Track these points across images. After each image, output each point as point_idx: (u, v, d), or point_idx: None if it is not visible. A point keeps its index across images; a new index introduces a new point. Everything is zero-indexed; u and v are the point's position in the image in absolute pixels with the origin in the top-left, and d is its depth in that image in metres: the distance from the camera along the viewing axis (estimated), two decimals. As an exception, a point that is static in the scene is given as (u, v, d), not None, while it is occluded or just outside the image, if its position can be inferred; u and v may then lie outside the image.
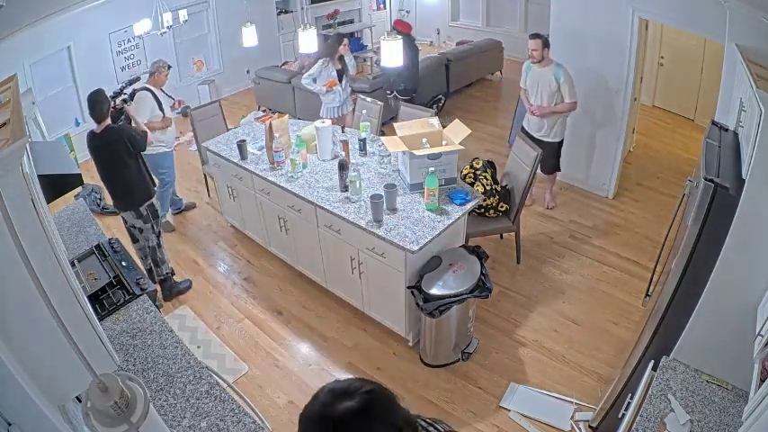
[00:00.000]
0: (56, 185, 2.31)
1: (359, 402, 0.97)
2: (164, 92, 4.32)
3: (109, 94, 3.34)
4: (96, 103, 3.14)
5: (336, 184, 3.36)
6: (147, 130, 3.58)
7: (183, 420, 1.94)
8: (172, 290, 3.82)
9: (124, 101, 3.58)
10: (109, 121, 3.23)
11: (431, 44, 9.69)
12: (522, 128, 4.29)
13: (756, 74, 1.82)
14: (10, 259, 1.17)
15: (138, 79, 4.11)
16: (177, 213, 4.90)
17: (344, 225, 3.12)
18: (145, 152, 3.52)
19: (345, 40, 4.71)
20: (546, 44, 3.92)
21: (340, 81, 4.72)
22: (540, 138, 4.12)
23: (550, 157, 4.20)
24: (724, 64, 2.93)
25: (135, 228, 3.63)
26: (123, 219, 3.67)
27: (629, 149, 5.38)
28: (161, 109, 4.16)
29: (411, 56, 5.09)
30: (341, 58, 4.72)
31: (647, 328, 2.23)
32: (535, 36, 3.95)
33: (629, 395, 2.28)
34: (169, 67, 4.27)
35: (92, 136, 3.26)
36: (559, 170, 4.45)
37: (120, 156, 3.29)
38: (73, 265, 2.68)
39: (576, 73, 4.33)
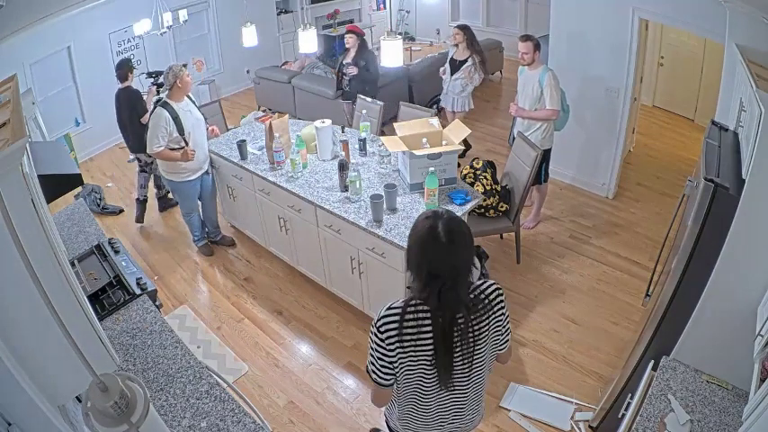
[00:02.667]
0: (56, 185, 2.30)
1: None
2: (191, 100, 3.72)
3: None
4: (123, 66, 4.36)
5: (336, 184, 3.36)
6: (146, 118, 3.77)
7: (182, 420, 1.94)
8: (166, 204, 4.91)
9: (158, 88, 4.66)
10: (128, 82, 4.36)
11: (431, 44, 9.70)
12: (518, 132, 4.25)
13: (756, 74, 1.82)
14: (10, 259, 1.17)
15: (159, 73, 4.70)
16: (214, 243, 4.36)
17: (344, 225, 3.12)
18: (164, 174, 3.85)
19: (455, 29, 4.91)
20: (536, 47, 3.75)
21: (454, 71, 4.94)
22: None
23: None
24: (724, 64, 2.93)
25: (145, 161, 4.60)
26: (137, 158, 4.71)
27: (629, 149, 5.38)
28: (180, 131, 3.56)
29: (373, 60, 4.91)
30: (465, 49, 4.90)
31: (647, 328, 2.23)
32: (525, 38, 3.77)
33: (629, 395, 2.28)
34: (184, 65, 3.70)
35: (118, 90, 4.40)
36: (541, 183, 4.12)
37: (135, 109, 4.38)
38: (73, 265, 2.68)
39: (575, 73, 4.34)
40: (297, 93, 6.39)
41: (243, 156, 3.80)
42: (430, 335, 1.49)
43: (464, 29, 4.93)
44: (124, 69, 4.35)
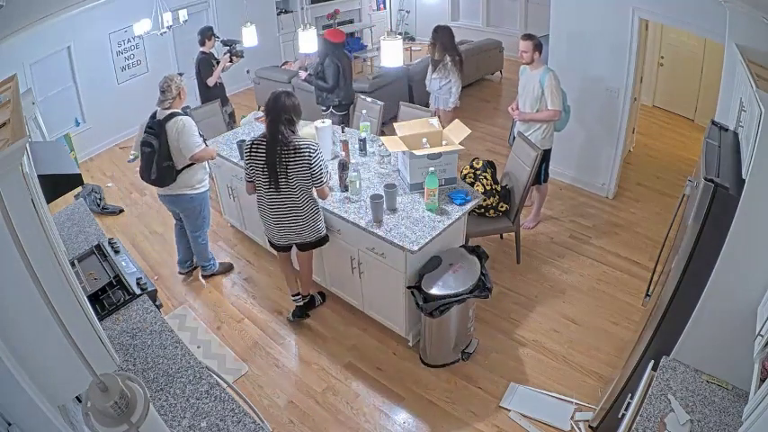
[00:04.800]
0: (56, 185, 2.30)
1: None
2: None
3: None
4: (204, 32, 5.00)
5: (336, 183, 3.36)
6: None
7: (183, 420, 1.94)
8: None
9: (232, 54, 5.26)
10: (205, 48, 4.99)
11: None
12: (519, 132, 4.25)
13: (756, 74, 1.82)
14: (10, 259, 1.17)
15: (235, 42, 5.08)
16: (187, 274, 4.07)
17: (344, 225, 3.12)
18: (196, 191, 3.54)
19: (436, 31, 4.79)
20: (537, 47, 3.74)
21: (434, 70, 4.80)
22: None
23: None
24: (724, 64, 2.93)
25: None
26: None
27: (629, 149, 5.38)
28: (201, 134, 3.51)
29: (344, 68, 4.72)
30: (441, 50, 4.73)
31: (647, 328, 2.23)
32: (527, 37, 3.78)
33: (629, 395, 2.28)
34: (180, 74, 3.64)
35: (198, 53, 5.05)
36: (540, 183, 4.13)
37: (199, 72, 5.04)
38: (73, 265, 2.68)
39: (575, 73, 4.34)
40: (297, 93, 6.38)
41: (243, 156, 3.78)
42: (263, 154, 2.86)
43: (435, 30, 4.77)
44: (203, 36, 4.97)
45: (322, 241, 3.20)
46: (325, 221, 3.27)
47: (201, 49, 5.02)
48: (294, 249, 3.33)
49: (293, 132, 2.86)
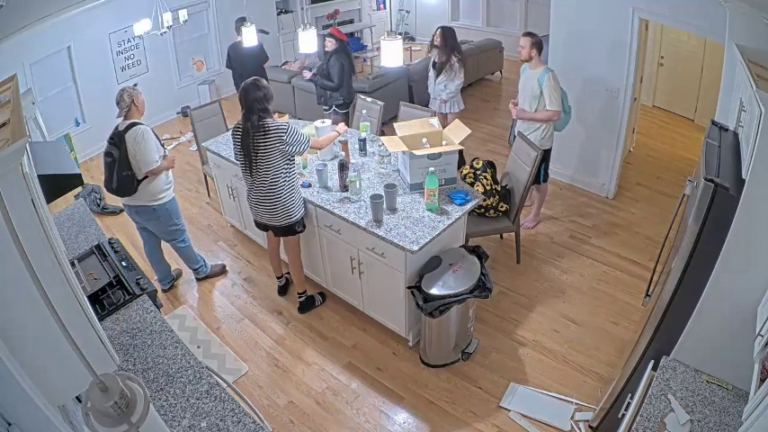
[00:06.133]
0: (56, 185, 2.31)
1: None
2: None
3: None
4: (237, 24, 5.18)
5: (336, 184, 3.36)
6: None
7: (182, 420, 1.94)
8: None
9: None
10: (240, 38, 4.97)
11: (431, 44, 9.70)
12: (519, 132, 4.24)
13: (756, 74, 1.81)
14: (10, 259, 1.17)
15: (266, 32, 5.31)
16: (169, 289, 3.97)
17: (344, 225, 3.12)
18: (157, 202, 3.44)
19: (438, 31, 4.72)
20: (535, 45, 3.75)
21: (438, 74, 4.73)
22: None
23: None
24: (724, 64, 2.93)
25: None
26: None
27: (629, 149, 5.38)
28: (161, 142, 3.46)
29: (347, 67, 4.78)
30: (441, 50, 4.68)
31: (647, 328, 2.23)
32: (526, 34, 3.82)
33: (629, 395, 2.28)
34: (135, 85, 3.49)
35: (234, 43, 5.45)
36: (540, 182, 4.12)
37: (258, 56, 5.48)
38: (73, 265, 2.68)
39: (575, 73, 4.34)
40: (297, 93, 6.39)
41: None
42: (240, 139, 3.03)
43: (443, 33, 4.70)
44: (241, 25, 5.01)
45: (291, 229, 3.26)
46: (326, 221, 3.28)
47: (240, 37, 5.07)
48: (282, 241, 3.47)
49: (264, 117, 2.96)
